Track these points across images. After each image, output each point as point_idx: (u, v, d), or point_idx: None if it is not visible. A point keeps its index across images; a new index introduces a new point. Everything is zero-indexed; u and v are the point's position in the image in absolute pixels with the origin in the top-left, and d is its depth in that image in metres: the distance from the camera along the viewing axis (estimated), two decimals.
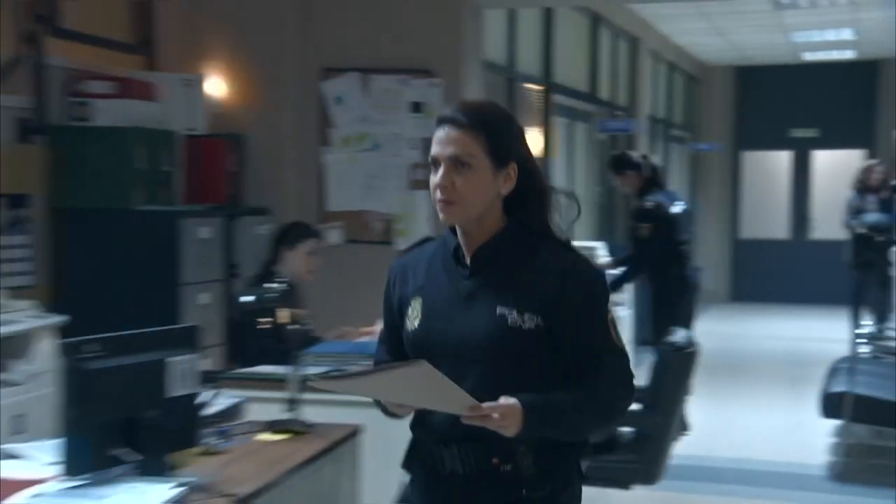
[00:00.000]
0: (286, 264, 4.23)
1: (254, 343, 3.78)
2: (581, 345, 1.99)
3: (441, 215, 2.01)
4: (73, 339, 2.30)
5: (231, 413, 2.95)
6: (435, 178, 1.98)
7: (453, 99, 5.44)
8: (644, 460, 3.83)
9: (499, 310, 1.97)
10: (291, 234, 4.31)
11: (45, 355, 3.66)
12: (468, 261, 2.03)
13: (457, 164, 1.97)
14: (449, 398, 1.87)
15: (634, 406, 4.10)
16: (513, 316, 1.97)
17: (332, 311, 4.75)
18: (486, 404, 1.88)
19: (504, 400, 1.90)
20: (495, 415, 1.87)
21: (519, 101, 7.14)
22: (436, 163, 1.99)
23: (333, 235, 5.40)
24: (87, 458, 2.25)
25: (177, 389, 2.42)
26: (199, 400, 2.55)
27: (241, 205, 5.27)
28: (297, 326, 3.75)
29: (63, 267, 4.59)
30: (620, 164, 6.33)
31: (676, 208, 6.16)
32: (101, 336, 2.32)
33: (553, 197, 2.06)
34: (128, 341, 2.39)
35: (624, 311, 6.77)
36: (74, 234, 4.59)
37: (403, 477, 2.18)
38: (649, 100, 10.63)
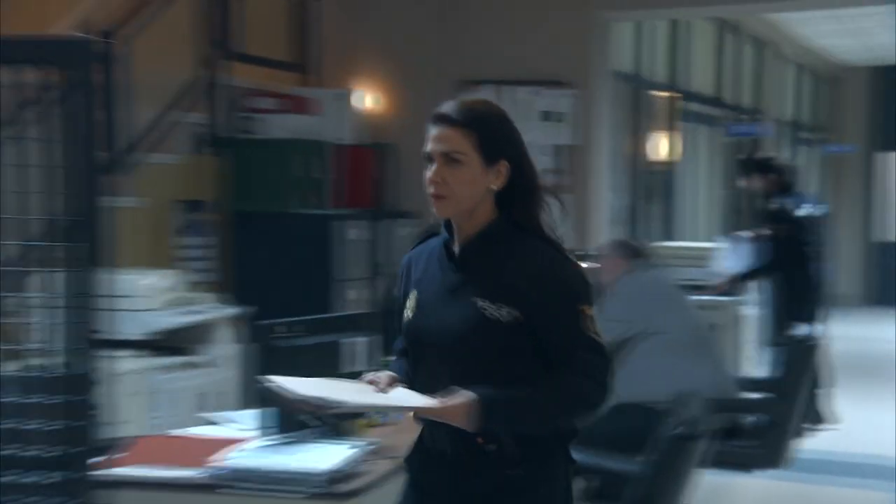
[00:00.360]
0: None
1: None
2: (555, 340, 2.02)
3: (434, 209, 2.07)
4: (266, 322, 2.68)
5: None
6: (428, 173, 2.05)
7: (586, 108, 5.74)
8: (767, 446, 4.03)
9: (479, 302, 2.01)
10: None
11: (225, 341, 4.11)
12: (457, 254, 2.10)
13: (448, 160, 2.02)
14: (401, 406, 2.06)
15: (759, 395, 4.36)
16: (491, 309, 2.01)
17: None
18: (437, 400, 1.95)
19: (459, 396, 1.95)
20: (448, 409, 1.94)
21: (646, 108, 7.36)
22: (430, 159, 2.04)
23: None
24: (279, 422, 2.65)
25: (349, 367, 2.81)
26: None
27: (385, 208, 5.58)
28: None
29: (231, 264, 5.06)
30: (748, 167, 6.49)
31: (802, 211, 6.27)
32: (288, 319, 2.73)
33: (544, 196, 2.10)
34: (310, 324, 2.80)
35: (751, 310, 6.91)
36: (241, 235, 5.03)
37: None
38: (778, 103, 10.61)
